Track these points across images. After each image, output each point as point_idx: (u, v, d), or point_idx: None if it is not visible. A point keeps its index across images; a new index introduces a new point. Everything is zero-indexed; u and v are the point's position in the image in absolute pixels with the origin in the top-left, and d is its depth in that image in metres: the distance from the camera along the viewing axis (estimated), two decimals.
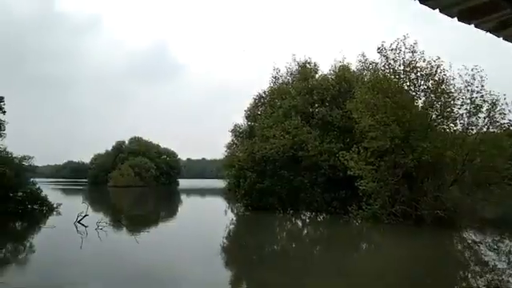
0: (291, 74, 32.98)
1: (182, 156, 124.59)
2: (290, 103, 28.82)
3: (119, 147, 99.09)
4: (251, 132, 31.40)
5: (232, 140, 34.42)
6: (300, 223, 23.92)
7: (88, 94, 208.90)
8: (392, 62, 20.96)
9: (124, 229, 19.81)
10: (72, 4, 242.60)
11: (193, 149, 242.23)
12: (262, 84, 51.75)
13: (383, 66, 21.19)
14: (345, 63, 29.92)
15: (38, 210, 25.44)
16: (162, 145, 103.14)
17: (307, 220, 24.32)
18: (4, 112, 25.02)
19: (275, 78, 33.40)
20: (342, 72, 29.09)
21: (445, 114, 21.16)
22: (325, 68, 32.71)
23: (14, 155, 26.83)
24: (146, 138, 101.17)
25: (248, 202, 27.96)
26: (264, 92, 33.37)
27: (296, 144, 26.58)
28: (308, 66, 32.17)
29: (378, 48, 21.05)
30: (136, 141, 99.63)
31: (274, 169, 26.91)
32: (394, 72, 21.04)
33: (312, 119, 28.89)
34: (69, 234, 17.10)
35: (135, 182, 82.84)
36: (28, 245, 15.99)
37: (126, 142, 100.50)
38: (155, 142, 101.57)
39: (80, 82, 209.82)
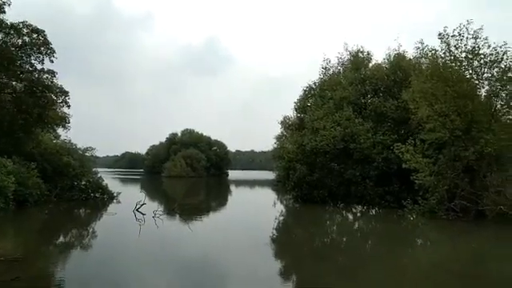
0: (342, 64, 32.22)
1: (232, 147, 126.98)
2: (342, 94, 28.17)
3: (172, 139, 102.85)
4: (301, 124, 31.16)
5: (281, 132, 34.45)
6: (351, 217, 23.42)
7: (143, 88, 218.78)
8: (453, 48, 19.70)
9: (178, 217, 20.56)
10: (128, 1, 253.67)
11: (242, 140, 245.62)
12: (312, 75, 51.06)
13: (443, 53, 19.97)
14: (400, 51, 28.66)
15: (99, 198, 27.14)
16: (213, 136, 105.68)
17: (359, 214, 23.77)
18: (69, 106, 26.77)
19: (325, 68, 32.80)
20: (397, 60, 27.92)
21: (511, 104, 19.65)
22: (378, 57, 31.53)
23: (78, 146, 28.77)
24: (197, 129, 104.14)
25: (297, 194, 27.86)
26: (314, 83, 32.94)
27: (347, 136, 25.99)
28: (360, 55, 31.23)
29: (439, 34, 19.85)
30: (188, 133, 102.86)
31: (324, 161, 26.53)
32: (455, 59, 19.76)
33: (364, 110, 28.08)
34: (128, 221, 18.05)
35: (187, 173, 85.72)
36: (91, 230, 17.04)
37: (179, 134, 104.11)
38: (206, 133, 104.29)
39: (136, 76, 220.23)
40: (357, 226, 20.87)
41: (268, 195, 40.18)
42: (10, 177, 19.39)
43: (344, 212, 24.40)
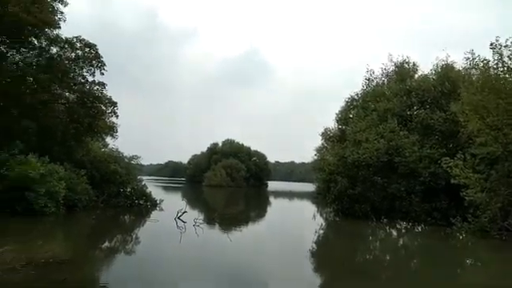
0: (387, 75, 31.44)
1: (271, 158, 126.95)
2: (386, 106, 27.41)
3: (213, 149, 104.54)
4: (342, 136, 30.61)
5: (322, 143, 33.99)
6: (395, 233, 22.52)
7: (186, 99, 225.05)
8: (507, 59, 18.64)
9: (218, 226, 20.73)
10: (171, 17, 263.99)
11: (281, 151, 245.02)
12: (352, 85, 50.20)
13: (495, 63, 18.94)
14: (448, 62, 27.52)
15: (143, 205, 27.97)
16: (253, 147, 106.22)
17: (403, 230, 22.82)
18: (117, 116, 27.97)
19: (368, 79, 32.15)
20: (445, 71, 26.81)
21: None
22: (424, 68, 30.40)
23: (124, 155, 29.91)
24: (237, 140, 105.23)
25: (338, 208, 27.24)
26: (356, 94, 32.36)
27: (391, 149, 25.16)
28: (406, 65, 30.35)
29: (491, 44, 18.88)
30: (228, 143, 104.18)
31: (366, 174, 25.80)
32: (508, 70, 18.69)
33: (410, 123, 27.13)
34: (170, 228, 18.42)
35: (227, 183, 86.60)
36: (134, 236, 17.56)
37: (220, 144, 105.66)
38: (246, 144, 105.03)
39: (178, 87, 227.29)
40: (401, 242, 20.03)
41: (307, 208, 39.61)
42: (61, 182, 20.47)
43: (387, 228, 23.51)
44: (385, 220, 24.75)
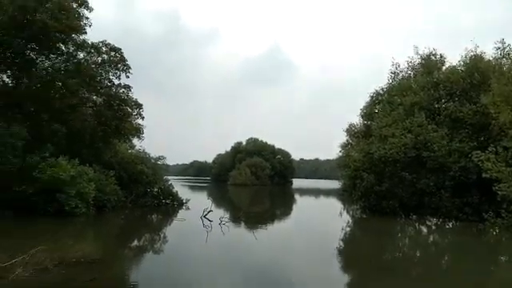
0: (413, 68, 30.62)
1: (296, 156, 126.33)
2: (412, 99, 26.71)
3: (237, 148, 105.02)
4: (367, 131, 30.05)
5: (347, 140, 33.51)
6: (425, 230, 21.94)
7: (210, 99, 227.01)
8: None
9: (243, 225, 20.79)
10: (193, 19, 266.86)
11: (306, 149, 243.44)
12: (378, 81, 49.23)
13: None
14: (477, 52, 26.51)
15: (170, 205, 28.41)
16: (277, 145, 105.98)
17: (433, 227, 22.20)
18: (143, 118, 28.54)
19: (394, 73, 31.41)
20: (475, 62, 25.83)
21: None
22: (452, 59, 29.39)
23: (150, 155, 30.44)
24: (261, 138, 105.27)
25: (365, 205, 26.79)
26: (381, 89, 31.70)
27: (419, 143, 24.50)
28: (433, 57, 29.45)
29: None
30: (252, 142, 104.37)
31: (394, 170, 25.23)
32: None
33: (438, 116, 26.35)
34: (196, 227, 18.62)
35: (252, 181, 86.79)
36: (162, 235, 17.84)
37: (244, 143, 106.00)
38: (270, 142, 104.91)
39: (201, 88, 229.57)
40: (431, 239, 19.50)
41: (333, 205, 39.19)
42: (91, 184, 21.03)
43: (417, 224, 22.94)
44: (414, 216, 24.15)
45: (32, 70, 23.43)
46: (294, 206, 43.46)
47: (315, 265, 11.94)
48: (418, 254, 15.64)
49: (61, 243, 11.37)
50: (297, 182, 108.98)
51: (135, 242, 16.48)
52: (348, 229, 21.89)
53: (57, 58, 24.78)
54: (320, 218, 28.35)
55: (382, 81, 33.43)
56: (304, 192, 70.89)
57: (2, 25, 20.30)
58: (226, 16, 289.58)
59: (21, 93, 23.24)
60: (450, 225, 22.10)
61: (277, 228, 22.22)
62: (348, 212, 29.57)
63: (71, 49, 24.88)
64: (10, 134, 19.97)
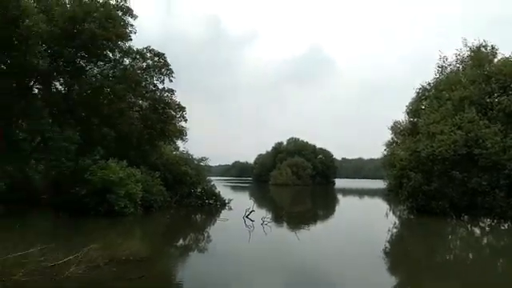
0: (461, 61, 29.05)
1: (338, 155, 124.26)
2: (462, 94, 25.35)
3: (278, 148, 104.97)
4: (414, 128, 28.88)
5: (392, 138, 32.41)
6: (478, 231, 20.75)
7: (250, 101, 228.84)
8: None
9: (285, 225, 20.71)
10: (233, 22, 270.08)
11: (349, 148, 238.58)
12: (425, 76, 47.27)
13: None
14: None
15: (213, 205, 28.89)
16: (318, 145, 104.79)
17: (487, 228, 20.95)
18: (186, 120, 29.34)
19: (441, 67, 29.96)
20: None
21: None
22: (505, 51, 27.56)
23: (193, 157, 31.13)
24: (302, 138, 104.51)
25: (412, 205, 25.77)
26: (428, 84, 30.33)
27: (470, 140, 23.21)
28: (483, 49, 27.79)
29: None
30: (293, 141, 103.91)
31: (443, 169, 24.06)
32: None
33: (490, 111, 24.83)
34: (239, 226, 18.79)
35: (293, 181, 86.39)
36: (206, 235, 18.17)
37: (284, 143, 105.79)
38: (311, 142, 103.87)
39: (242, 90, 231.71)
40: (485, 241, 18.39)
41: (379, 205, 38.09)
42: (138, 185, 21.86)
43: (469, 226, 21.75)
44: (465, 217, 22.92)
45: (82, 77, 24.76)
46: (337, 207, 42.69)
47: (360, 267, 11.62)
48: (471, 257, 14.80)
49: (111, 242, 11.89)
50: (339, 182, 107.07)
51: (180, 241, 16.91)
52: (395, 230, 21.15)
53: (105, 64, 26.03)
54: (364, 219, 27.62)
55: (427, 76, 32.01)
56: (347, 192, 69.49)
57: (54, 36, 21.56)
58: (265, 17, 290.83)
59: (72, 99, 24.62)
60: (506, 226, 20.74)
61: (319, 229, 21.93)
62: (394, 213, 28.58)
63: (118, 55, 26.06)
64: (64, 138, 21.21)
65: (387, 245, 16.04)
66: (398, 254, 14.92)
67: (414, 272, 11.45)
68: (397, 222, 25.01)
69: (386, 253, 14.35)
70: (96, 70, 26.10)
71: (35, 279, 8.24)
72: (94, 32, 22.33)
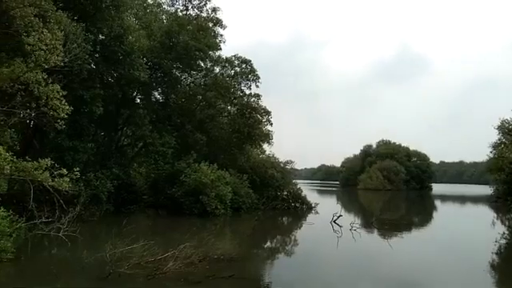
0: None
1: (435, 159, 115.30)
2: None
3: (367, 151, 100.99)
4: None
5: (499, 139, 29.13)
6: None
7: (335, 103, 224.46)
8: None
9: (376, 232, 19.79)
10: (313, 26, 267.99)
11: (447, 150, 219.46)
12: None
13: None
14: None
15: (299, 208, 28.86)
16: (412, 147, 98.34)
17: None
18: (271, 124, 29.85)
19: None
20: None
21: None
22: None
23: (279, 160, 31.46)
24: (393, 140, 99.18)
25: None
26: None
27: None
28: None
29: None
30: (384, 144, 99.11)
31: None
32: None
33: None
34: (325, 231, 18.48)
35: (384, 186, 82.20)
36: (293, 238, 18.20)
37: (374, 146, 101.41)
38: (404, 144, 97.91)
39: (327, 93, 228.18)
40: None
41: (484, 213, 34.37)
42: (227, 187, 22.83)
43: None
44: None
45: (178, 86, 26.70)
46: (435, 214, 39.46)
47: (462, 281, 10.60)
48: None
49: (204, 240, 12.51)
50: (437, 188, 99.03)
51: (268, 243, 17.19)
52: (503, 241, 18.86)
53: (197, 74, 27.78)
54: (467, 228, 25.11)
55: None
56: (446, 198, 63.89)
57: (153, 49, 23.58)
58: (349, 19, 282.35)
59: (169, 107, 26.64)
60: None
61: (415, 236, 20.46)
62: (503, 222, 25.57)
63: (209, 65, 27.63)
64: (162, 143, 23.05)
65: (494, 257, 14.40)
66: (507, 268, 13.27)
67: None
68: (505, 232, 22.30)
69: (492, 266, 12.89)
70: (189, 79, 27.97)
71: (138, 272, 9.05)
72: (187, 44, 23.93)
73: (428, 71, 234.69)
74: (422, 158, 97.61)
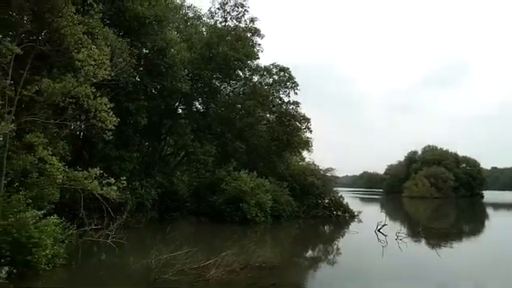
0: None
1: (486, 164, 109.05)
2: None
3: (412, 157, 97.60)
4: None
5: None
6: None
7: (376, 110, 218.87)
8: None
9: (424, 241, 18.95)
10: (352, 36, 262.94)
11: (501, 155, 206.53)
12: None
13: None
14: None
15: (341, 216, 28.24)
16: (460, 153, 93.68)
17: None
18: (311, 131, 29.62)
19: None
20: None
21: None
22: None
23: (320, 167, 31.06)
24: (440, 146, 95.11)
25: None
26: None
27: None
28: None
29: None
30: (430, 150, 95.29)
31: None
32: None
33: None
34: (370, 241, 17.90)
35: (431, 193, 78.78)
36: (335, 247, 17.78)
37: (419, 152, 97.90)
38: (452, 150, 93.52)
39: (369, 98, 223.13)
40: None
41: None
42: (267, 195, 22.82)
43: None
44: None
45: (217, 96, 27.20)
46: (487, 223, 37.20)
47: None
48: None
49: (245, 248, 12.54)
50: (489, 195, 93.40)
51: (310, 252, 16.93)
52: None
53: (236, 83, 28.18)
54: None
55: None
56: (499, 206, 60.05)
57: (194, 61, 24.21)
58: (381, 20, 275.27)
59: (210, 116, 27.16)
60: None
61: (466, 246, 19.35)
62: None
63: (247, 74, 27.96)
64: (203, 152, 23.51)
65: None
66: None
67: None
68: None
69: None
70: (229, 89, 28.42)
71: (182, 279, 9.22)
72: (226, 54, 24.37)
73: (471, 73, 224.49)
74: (472, 163, 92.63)
